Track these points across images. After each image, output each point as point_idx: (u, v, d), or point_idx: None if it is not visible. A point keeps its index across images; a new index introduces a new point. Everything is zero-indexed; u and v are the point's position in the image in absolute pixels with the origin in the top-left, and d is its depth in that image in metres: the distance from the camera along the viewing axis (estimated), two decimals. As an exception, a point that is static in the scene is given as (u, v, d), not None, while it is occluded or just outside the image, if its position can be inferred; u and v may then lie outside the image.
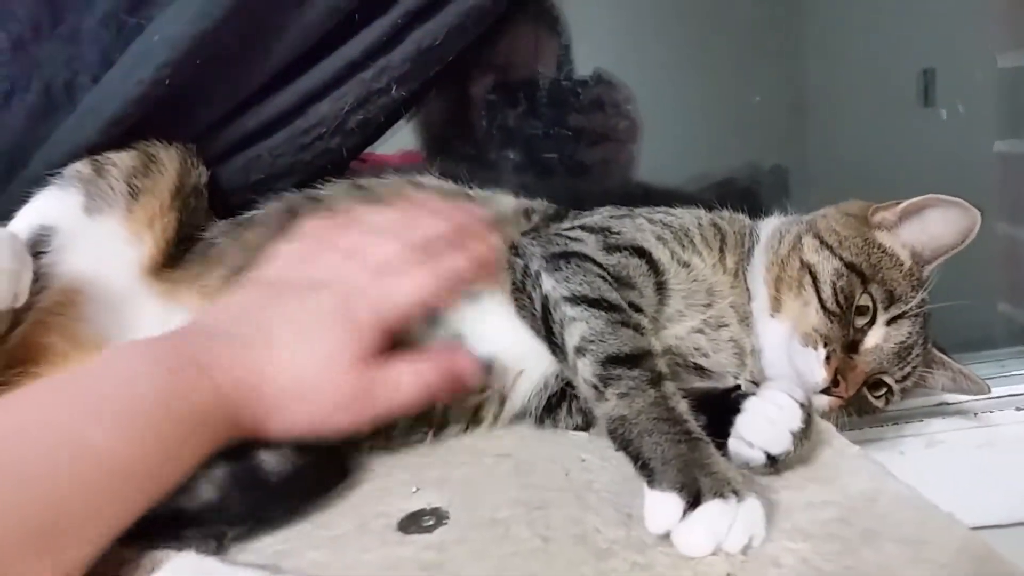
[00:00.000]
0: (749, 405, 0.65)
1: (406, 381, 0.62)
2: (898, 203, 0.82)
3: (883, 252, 0.81)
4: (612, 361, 0.64)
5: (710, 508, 0.53)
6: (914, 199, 0.81)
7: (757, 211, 0.92)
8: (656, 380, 0.63)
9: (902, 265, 0.80)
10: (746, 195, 0.93)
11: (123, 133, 0.78)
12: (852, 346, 0.77)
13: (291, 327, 0.60)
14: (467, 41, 0.85)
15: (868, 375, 0.78)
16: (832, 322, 0.76)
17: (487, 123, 1.08)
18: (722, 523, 0.53)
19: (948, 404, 1.01)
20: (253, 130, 0.82)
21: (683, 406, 0.61)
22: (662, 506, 0.54)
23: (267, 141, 0.82)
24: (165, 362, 0.55)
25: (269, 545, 0.59)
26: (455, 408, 0.76)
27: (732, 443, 0.64)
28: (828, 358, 0.75)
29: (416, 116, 1.10)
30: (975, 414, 0.91)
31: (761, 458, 0.63)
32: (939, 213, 0.80)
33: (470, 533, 0.59)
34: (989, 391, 0.85)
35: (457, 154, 1.10)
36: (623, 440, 0.60)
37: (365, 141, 0.89)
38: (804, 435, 0.64)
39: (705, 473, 0.55)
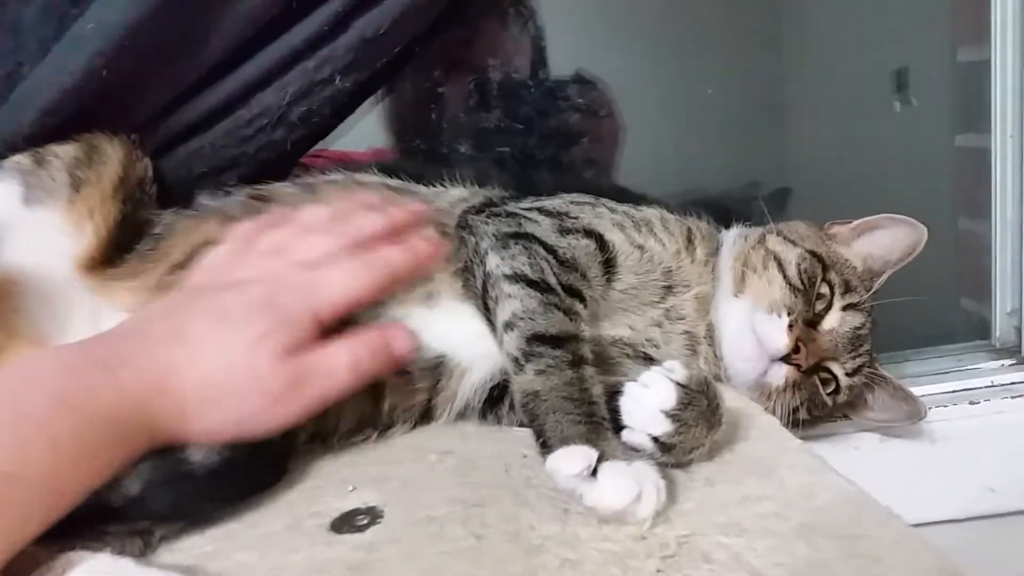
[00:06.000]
0: (626, 388, 0.64)
1: (339, 363, 0.60)
2: (850, 221, 0.88)
3: (838, 256, 0.86)
4: (537, 339, 0.66)
5: (614, 465, 0.56)
6: (867, 218, 0.87)
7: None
8: (576, 363, 0.65)
9: (855, 268, 0.86)
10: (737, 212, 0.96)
11: (59, 124, 0.76)
12: (812, 323, 0.80)
13: (208, 322, 0.58)
14: (414, 32, 0.83)
15: (824, 354, 0.80)
16: (796, 297, 0.79)
17: (462, 121, 1.07)
18: (628, 477, 0.55)
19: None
20: (194, 121, 0.80)
21: (597, 390, 0.63)
22: (573, 457, 0.57)
23: (209, 133, 0.80)
24: (66, 364, 0.53)
25: (197, 546, 0.57)
26: (402, 407, 0.75)
27: (624, 432, 0.63)
28: (791, 326, 0.77)
29: (389, 114, 1.09)
30: (930, 408, 0.90)
31: (646, 441, 0.62)
32: (889, 230, 0.86)
33: (403, 532, 0.58)
34: (925, 415, 0.88)
35: (428, 152, 1.09)
36: (531, 414, 0.62)
37: (312, 135, 0.87)
38: (688, 416, 0.62)
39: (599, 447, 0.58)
